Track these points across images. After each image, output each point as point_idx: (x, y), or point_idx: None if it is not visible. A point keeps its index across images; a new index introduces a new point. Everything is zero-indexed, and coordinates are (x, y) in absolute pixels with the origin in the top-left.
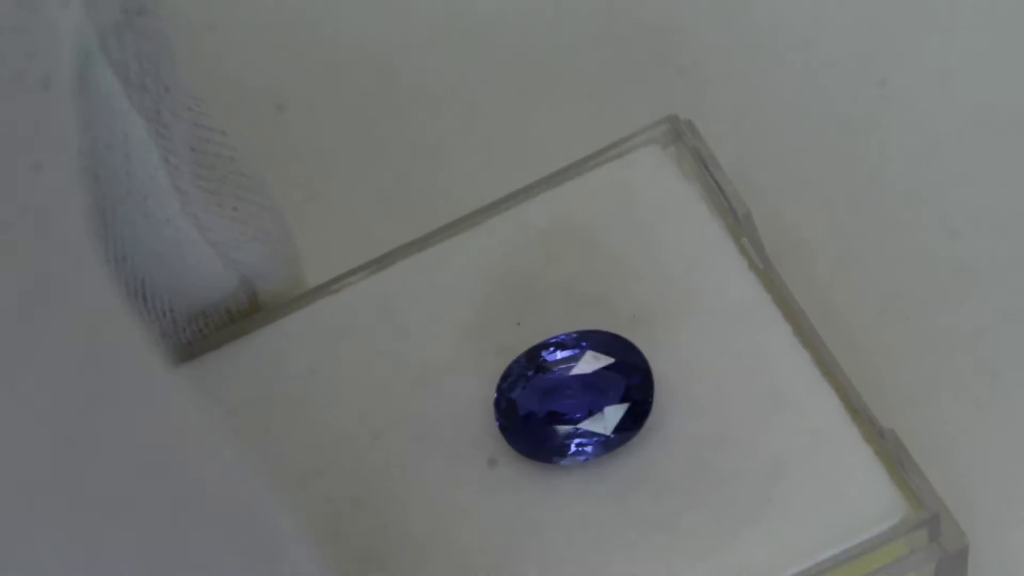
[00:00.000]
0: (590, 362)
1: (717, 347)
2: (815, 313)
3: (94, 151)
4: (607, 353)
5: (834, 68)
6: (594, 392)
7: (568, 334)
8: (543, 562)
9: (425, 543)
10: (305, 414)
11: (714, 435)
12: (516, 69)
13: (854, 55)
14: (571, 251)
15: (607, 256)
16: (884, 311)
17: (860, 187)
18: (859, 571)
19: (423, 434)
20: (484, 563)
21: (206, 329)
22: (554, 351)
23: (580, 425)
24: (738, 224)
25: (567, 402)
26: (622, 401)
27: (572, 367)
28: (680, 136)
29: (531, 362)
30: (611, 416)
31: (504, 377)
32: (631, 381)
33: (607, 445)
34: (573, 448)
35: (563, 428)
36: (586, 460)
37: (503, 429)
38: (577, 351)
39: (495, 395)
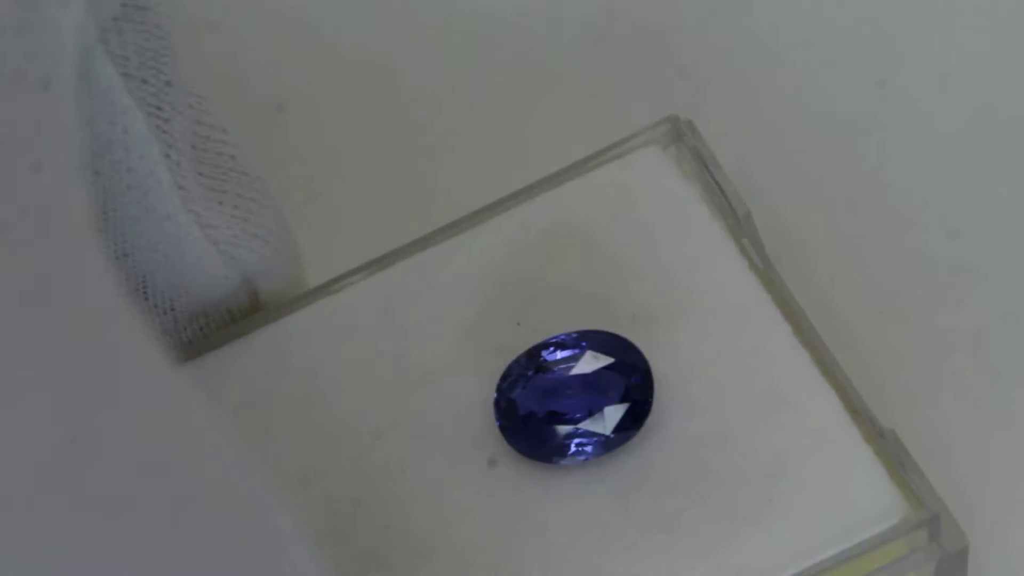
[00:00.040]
0: (590, 362)
1: (717, 347)
2: (815, 313)
3: (95, 146)
4: (607, 353)
5: (834, 68)
6: (594, 392)
7: (568, 334)
8: (544, 562)
9: (426, 543)
10: (306, 414)
11: (714, 435)
12: (516, 69)
13: (854, 55)
14: (571, 251)
15: (607, 256)
16: (884, 311)
17: (860, 187)
18: (859, 571)
19: (423, 434)
20: (484, 563)
21: (207, 328)
22: (554, 351)
23: (580, 425)
24: (738, 224)
25: (567, 402)
26: (622, 401)
27: (572, 367)
28: (681, 136)
29: (531, 362)
30: (611, 416)
31: (504, 377)
32: (631, 381)
33: (607, 445)
34: (573, 448)
35: (563, 428)
36: (586, 460)
37: (503, 429)
38: (577, 351)
39: (495, 395)
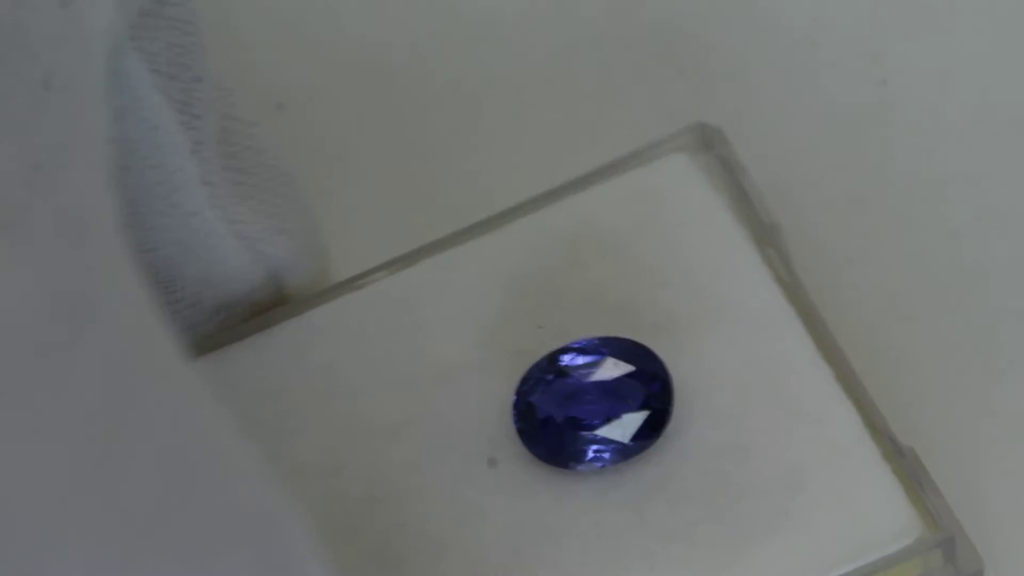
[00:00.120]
0: (610, 369)
1: (739, 357)
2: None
3: (123, 142)
4: (627, 360)
5: (836, 68)
6: (613, 399)
7: (589, 340)
8: (557, 567)
9: (441, 543)
10: (325, 409)
11: (733, 446)
12: (517, 69)
13: (856, 55)
14: (596, 256)
15: (631, 262)
16: (885, 311)
17: (861, 187)
18: None
19: (441, 433)
20: (498, 565)
21: (232, 320)
22: (575, 356)
23: (598, 432)
24: (765, 234)
25: (586, 408)
26: (641, 409)
27: (592, 373)
28: (709, 144)
29: (551, 366)
30: (629, 424)
31: (524, 380)
32: (651, 389)
33: (625, 453)
34: (590, 454)
35: (581, 434)
36: (603, 467)
37: (521, 432)
38: (597, 357)
39: (514, 398)
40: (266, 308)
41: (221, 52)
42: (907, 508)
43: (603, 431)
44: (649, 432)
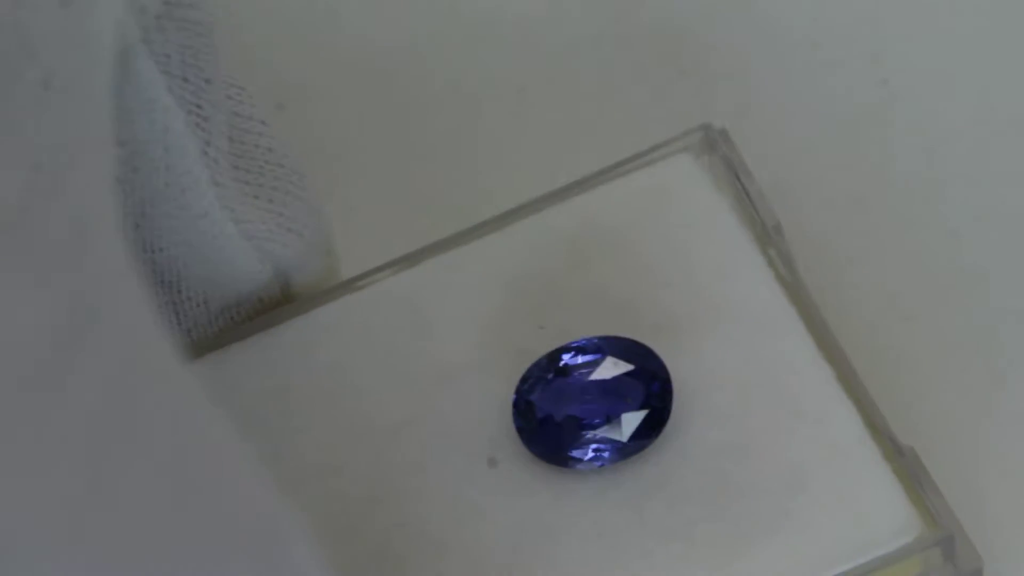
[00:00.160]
0: (610, 368)
1: (740, 357)
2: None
3: (133, 144)
4: (627, 359)
5: (836, 68)
6: (613, 398)
7: (589, 339)
8: (557, 566)
9: (441, 543)
10: (327, 407)
11: (733, 445)
12: (517, 69)
13: (857, 56)
14: (598, 256)
15: (634, 262)
16: (885, 311)
17: (862, 187)
18: None
19: (442, 433)
20: (497, 564)
21: (238, 318)
22: (575, 355)
23: (597, 431)
24: (767, 235)
25: (585, 407)
26: (640, 408)
27: (592, 372)
28: (713, 145)
29: (551, 365)
30: (629, 423)
31: (524, 379)
32: (650, 388)
33: (624, 451)
34: (590, 453)
35: (580, 433)
36: (602, 466)
37: (521, 431)
38: (597, 356)
39: (514, 396)
40: (272, 306)
41: (222, 51)
42: (907, 507)
43: (602, 430)
44: (648, 431)
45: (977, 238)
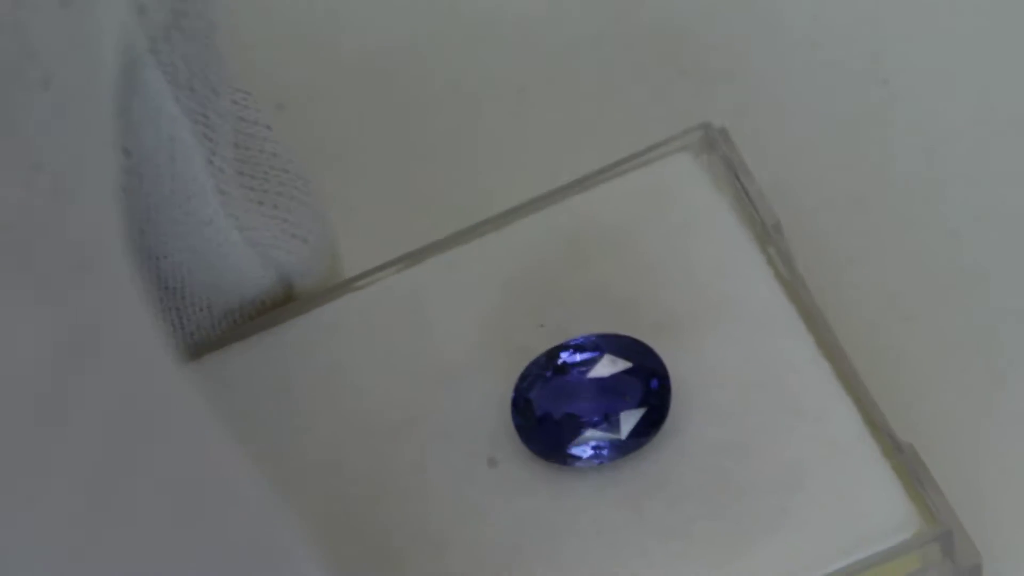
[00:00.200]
0: (608, 366)
1: (740, 355)
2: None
3: (139, 151)
4: (626, 357)
5: (837, 68)
6: (611, 395)
7: (587, 337)
8: (556, 564)
9: (441, 542)
10: (328, 406)
11: (732, 443)
12: (517, 69)
13: (857, 55)
14: (598, 255)
15: (633, 261)
16: (885, 311)
17: (862, 187)
18: None
19: (442, 431)
20: (496, 563)
21: (240, 321)
22: (573, 353)
23: (596, 428)
24: (767, 234)
25: (584, 405)
26: (639, 406)
27: (590, 370)
28: (713, 144)
29: (550, 363)
30: (627, 420)
31: (523, 377)
32: (649, 386)
33: (622, 449)
34: (589, 451)
35: (579, 430)
36: (601, 464)
37: (520, 429)
38: (596, 354)
39: (513, 395)
40: (275, 307)
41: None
42: (906, 503)
43: (601, 428)
44: (647, 428)
45: (977, 238)
